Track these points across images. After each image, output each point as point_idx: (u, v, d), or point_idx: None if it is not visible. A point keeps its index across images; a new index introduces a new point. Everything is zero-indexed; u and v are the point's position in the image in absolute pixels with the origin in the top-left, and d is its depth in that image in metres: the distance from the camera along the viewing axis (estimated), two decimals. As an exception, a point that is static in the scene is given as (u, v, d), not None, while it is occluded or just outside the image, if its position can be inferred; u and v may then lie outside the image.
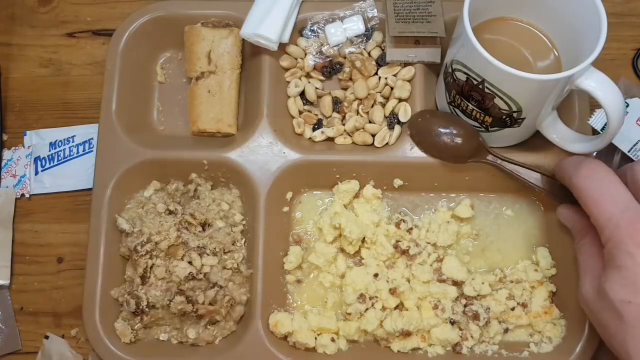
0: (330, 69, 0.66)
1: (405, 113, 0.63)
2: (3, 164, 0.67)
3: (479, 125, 0.58)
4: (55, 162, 0.67)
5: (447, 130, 0.60)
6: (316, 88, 0.65)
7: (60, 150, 0.67)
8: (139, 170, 0.62)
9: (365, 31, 0.65)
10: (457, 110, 0.59)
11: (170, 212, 0.61)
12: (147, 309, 0.58)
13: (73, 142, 0.67)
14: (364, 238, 0.61)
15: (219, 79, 0.65)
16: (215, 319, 0.59)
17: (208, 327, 0.59)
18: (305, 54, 0.65)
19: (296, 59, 0.66)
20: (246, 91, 0.66)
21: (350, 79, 0.65)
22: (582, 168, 0.49)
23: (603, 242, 0.46)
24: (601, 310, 0.46)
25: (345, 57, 0.65)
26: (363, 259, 0.61)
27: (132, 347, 0.59)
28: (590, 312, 0.49)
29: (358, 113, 0.64)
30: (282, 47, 0.65)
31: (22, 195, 0.66)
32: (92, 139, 0.67)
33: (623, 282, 0.43)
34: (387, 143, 0.63)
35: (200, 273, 0.58)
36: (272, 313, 0.59)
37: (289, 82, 0.65)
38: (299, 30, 0.66)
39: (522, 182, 0.59)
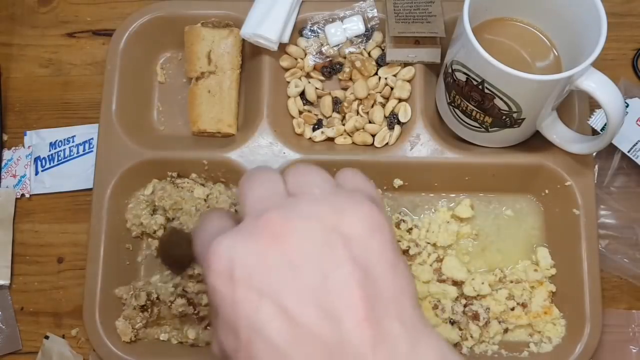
0: (330, 69, 0.66)
1: (405, 113, 0.63)
2: (3, 164, 0.67)
3: (478, 125, 0.58)
4: (56, 162, 0.67)
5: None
6: (316, 88, 0.65)
7: (60, 151, 0.67)
8: (139, 170, 0.62)
9: (365, 31, 0.65)
10: (457, 110, 0.59)
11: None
12: (157, 301, 0.59)
13: (73, 142, 0.67)
14: (364, 238, 0.61)
15: (219, 79, 0.65)
16: None
17: (208, 327, 0.59)
18: (305, 54, 0.65)
19: (296, 59, 0.66)
20: (246, 91, 0.66)
21: (350, 79, 0.65)
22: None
23: None
24: None
25: (345, 57, 0.65)
26: (363, 259, 0.61)
27: (132, 347, 0.59)
28: None
29: (358, 113, 0.64)
30: (282, 47, 0.65)
31: (22, 195, 0.66)
32: (92, 139, 0.67)
33: (224, 328, 0.33)
34: (387, 143, 0.63)
35: None
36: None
37: (289, 82, 0.65)
38: (299, 30, 0.66)
39: None
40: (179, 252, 0.55)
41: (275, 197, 0.35)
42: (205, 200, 0.61)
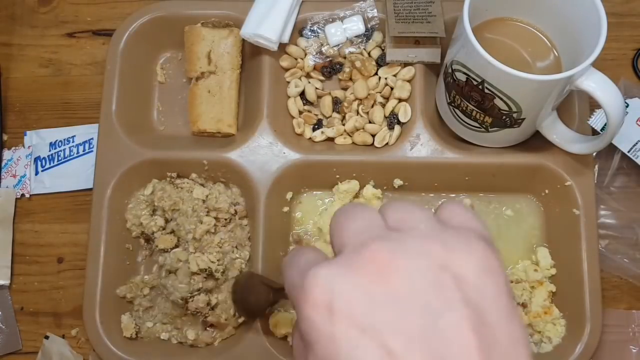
0: (330, 69, 0.66)
1: (405, 113, 0.63)
2: (3, 164, 0.67)
3: (478, 125, 0.58)
4: (56, 162, 0.67)
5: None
6: (316, 88, 0.65)
7: (61, 151, 0.67)
8: (139, 170, 0.62)
9: (365, 31, 0.65)
10: (457, 110, 0.59)
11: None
12: (155, 236, 0.60)
13: (73, 142, 0.67)
14: (364, 238, 0.61)
15: (219, 79, 0.65)
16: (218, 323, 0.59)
17: (208, 329, 0.59)
18: (305, 54, 0.65)
19: (296, 59, 0.66)
20: (246, 91, 0.66)
21: (350, 79, 0.65)
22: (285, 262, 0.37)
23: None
24: None
25: (345, 57, 0.65)
26: (363, 259, 0.61)
27: (132, 347, 0.59)
28: None
29: (358, 113, 0.64)
30: (282, 47, 0.65)
31: (22, 195, 0.66)
32: (92, 139, 0.67)
33: None
34: (387, 143, 0.63)
35: (218, 271, 0.59)
36: (272, 313, 0.59)
37: (289, 82, 0.65)
38: (299, 30, 0.66)
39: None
40: (254, 298, 0.53)
41: (377, 230, 0.32)
42: (204, 201, 0.61)
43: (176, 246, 0.61)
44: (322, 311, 0.29)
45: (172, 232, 0.61)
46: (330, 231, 0.34)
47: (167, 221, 0.62)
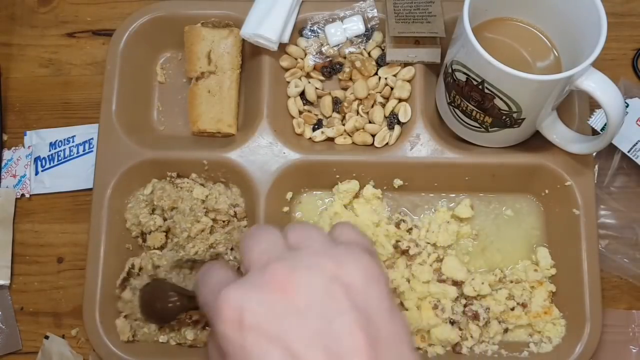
0: (330, 69, 0.66)
1: (405, 113, 0.63)
2: (3, 164, 0.67)
3: (478, 125, 0.58)
4: (56, 162, 0.67)
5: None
6: (316, 88, 0.65)
7: (60, 151, 0.67)
8: (139, 170, 0.62)
9: (365, 31, 0.65)
10: (457, 110, 0.59)
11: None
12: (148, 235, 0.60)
13: (73, 142, 0.67)
14: (364, 238, 0.61)
15: (219, 79, 0.65)
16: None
17: (207, 328, 0.59)
18: (305, 54, 0.65)
19: (296, 59, 0.66)
20: (246, 91, 0.66)
21: (350, 79, 0.65)
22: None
23: None
24: None
25: (345, 57, 0.65)
26: (363, 259, 0.61)
27: (132, 347, 0.59)
28: None
29: (358, 113, 0.64)
30: (282, 47, 0.65)
31: (22, 195, 0.66)
32: (92, 139, 0.67)
33: None
34: (387, 143, 0.63)
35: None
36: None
37: (289, 82, 0.65)
38: (299, 30, 0.66)
39: None
40: (160, 304, 0.54)
41: (277, 250, 0.37)
42: (203, 201, 0.61)
43: (163, 246, 0.61)
44: (234, 326, 0.34)
45: (168, 230, 0.61)
46: (240, 252, 0.39)
47: (165, 220, 0.62)
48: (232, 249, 0.61)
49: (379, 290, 0.36)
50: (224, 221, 0.62)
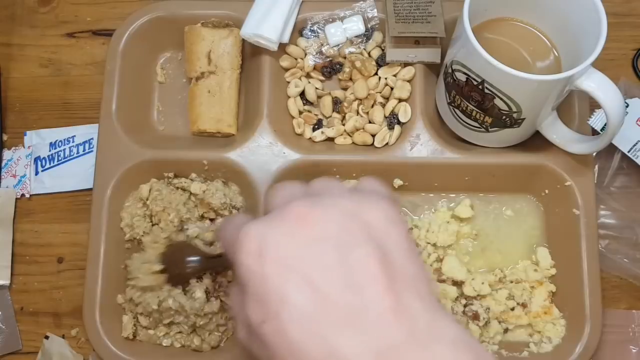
0: (330, 69, 0.66)
1: (405, 113, 0.63)
2: (3, 164, 0.67)
3: (478, 125, 0.58)
4: (56, 162, 0.67)
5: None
6: (316, 88, 0.65)
7: (60, 150, 0.67)
8: (139, 170, 0.62)
9: (365, 31, 0.65)
10: (457, 110, 0.59)
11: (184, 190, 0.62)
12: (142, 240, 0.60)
13: (73, 142, 0.67)
14: (364, 238, 0.61)
15: (219, 79, 0.65)
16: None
17: (214, 332, 0.59)
18: (305, 54, 0.65)
19: (296, 59, 0.66)
20: (246, 91, 0.66)
21: (350, 79, 0.65)
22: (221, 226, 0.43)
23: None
24: (254, 348, 0.38)
25: (345, 57, 0.65)
26: (363, 259, 0.61)
27: (132, 348, 0.59)
28: (252, 357, 0.39)
29: (358, 113, 0.64)
30: (282, 47, 0.65)
31: (22, 195, 0.66)
32: (92, 139, 0.67)
33: (254, 301, 0.35)
34: (387, 143, 0.63)
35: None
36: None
37: (289, 82, 0.65)
38: (299, 30, 0.66)
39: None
40: (182, 266, 0.55)
41: (298, 194, 0.39)
42: (197, 195, 0.61)
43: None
44: (255, 257, 0.35)
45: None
46: (264, 206, 0.41)
47: (153, 224, 0.61)
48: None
49: (397, 232, 0.36)
50: (211, 219, 0.61)
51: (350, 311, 0.32)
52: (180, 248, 0.57)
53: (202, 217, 0.61)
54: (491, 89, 0.53)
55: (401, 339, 0.32)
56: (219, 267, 0.57)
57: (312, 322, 0.33)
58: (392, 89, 0.64)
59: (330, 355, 0.32)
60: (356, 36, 0.65)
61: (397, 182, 0.63)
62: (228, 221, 0.42)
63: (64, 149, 0.67)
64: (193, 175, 0.63)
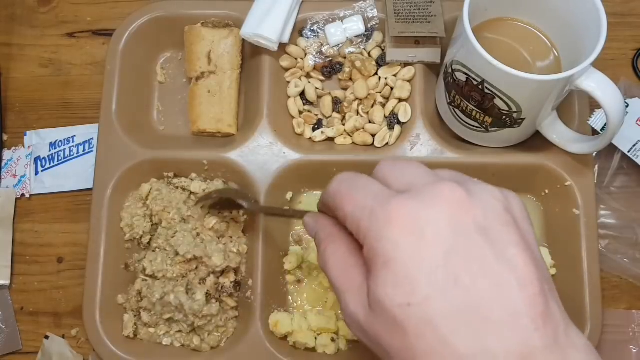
0: (330, 69, 0.66)
1: (405, 113, 0.63)
2: (3, 164, 0.67)
3: (479, 125, 0.58)
4: (56, 162, 0.67)
5: None
6: (316, 88, 0.65)
7: (61, 151, 0.67)
8: (139, 170, 0.62)
9: (365, 31, 0.65)
10: (457, 110, 0.59)
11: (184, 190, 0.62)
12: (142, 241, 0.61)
13: (73, 142, 0.67)
14: (364, 238, 0.61)
15: (219, 79, 0.65)
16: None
17: (214, 333, 0.59)
18: (305, 54, 0.65)
19: (296, 59, 0.66)
20: (246, 91, 0.66)
21: (350, 79, 0.65)
22: (331, 183, 0.40)
23: (361, 240, 0.36)
24: (378, 329, 0.35)
25: (345, 57, 0.65)
26: (363, 259, 0.61)
27: (132, 348, 0.59)
28: (367, 337, 0.36)
29: (358, 113, 0.64)
30: (282, 47, 0.65)
31: (22, 195, 0.66)
32: (92, 139, 0.67)
33: (395, 280, 0.33)
34: (387, 143, 0.63)
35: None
36: (272, 313, 0.59)
37: (289, 82, 0.65)
38: (299, 30, 0.66)
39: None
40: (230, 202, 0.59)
41: (430, 175, 0.38)
42: (195, 195, 0.61)
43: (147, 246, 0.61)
44: (409, 234, 0.33)
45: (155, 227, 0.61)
46: (380, 172, 0.38)
47: (153, 225, 0.62)
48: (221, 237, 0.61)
49: (530, 225, 0.37)
50: None
51: (503, 312, 0.32)
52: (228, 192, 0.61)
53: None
54: (491, 89, 0.53)
55: (546, 343, 0.32)
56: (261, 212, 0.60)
57: (463, 316, 0.32)
58: (392, 89, 0.64)
59: (483, 352, 0.31)
60: (356, 36, 0.65)
61: (397, 182, 0.63)
62: (358, 182, 0.38)
63: (64, 149, 0.67)
64: (193, 175, 0.63)
